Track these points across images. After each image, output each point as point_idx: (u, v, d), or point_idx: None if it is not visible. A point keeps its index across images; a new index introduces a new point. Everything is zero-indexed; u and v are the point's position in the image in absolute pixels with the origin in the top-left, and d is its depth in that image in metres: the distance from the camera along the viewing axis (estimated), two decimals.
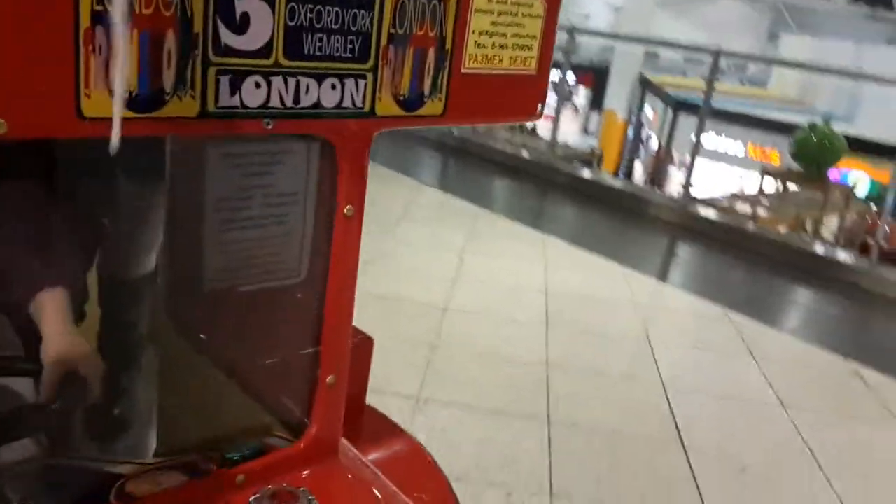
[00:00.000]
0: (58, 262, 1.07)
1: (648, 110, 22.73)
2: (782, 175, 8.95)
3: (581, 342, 4.02)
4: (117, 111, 0.67)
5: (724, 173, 18.73)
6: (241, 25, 0.75)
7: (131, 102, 0.71)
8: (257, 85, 0.78)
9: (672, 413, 3.41)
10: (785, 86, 21.69)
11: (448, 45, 0.92)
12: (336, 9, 0.80)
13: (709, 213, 6.95)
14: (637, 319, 4.48)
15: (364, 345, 1.38)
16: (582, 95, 28.98)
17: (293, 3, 0.77)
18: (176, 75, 0.73)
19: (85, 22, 0.66)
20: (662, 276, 5.58)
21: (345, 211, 0.92)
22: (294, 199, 1.13)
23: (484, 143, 8.68)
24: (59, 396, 0.97)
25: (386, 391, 2.98)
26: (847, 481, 3.06)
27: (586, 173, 8.51)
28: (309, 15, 0.79)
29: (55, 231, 1.11)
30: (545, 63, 1.05)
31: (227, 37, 0.75)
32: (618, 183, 10.22)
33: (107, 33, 0.67)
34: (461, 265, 4.91)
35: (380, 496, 1.02)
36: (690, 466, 3.03)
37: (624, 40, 18.33)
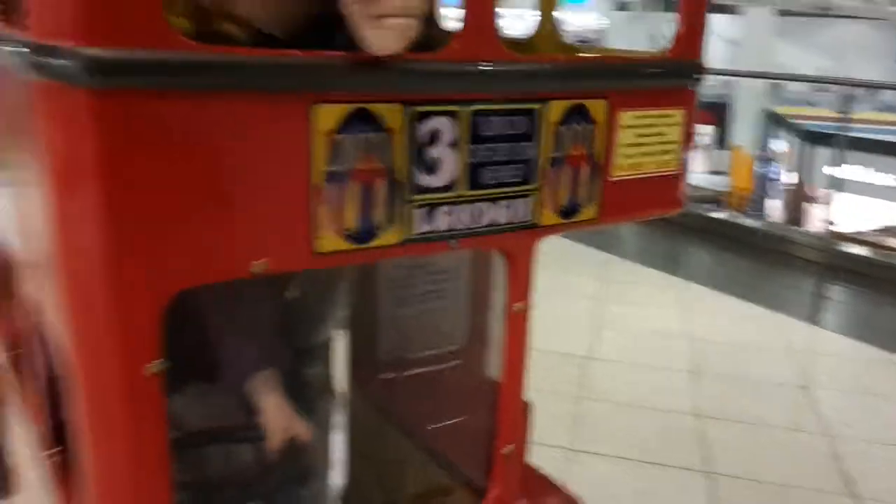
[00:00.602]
0: (269, 347, 1.27)
1: (777, 144, 21.91)
2: None
3: (734, 391, 3.94)
4: None
5: (868, 206, 17.69)
6: (431, 168, 0.92)
7: (352, 237, 0.89)
8: (446, 213, 0.95)
9: (842, 463, 3.29)
10: None
11: (599, 160, 1.06)
12: (506, 145, 0.96)
13: (857, 249, 6.65)
14: (793, 366, 4.34)
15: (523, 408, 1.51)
16: (705, 134, 28.39)
17: (473, 146, 0.94)
18: (384, 213, 0.90)
19: (317, 180, 0.85)
20: (813, 318, 5.36)
21: (514, 308, 1.07)
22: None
23: None
24: (281, 460, 1.16)
25: (536, 442, 3.06)
26: None
27: (719, 213, 8.34)
28: (485, 153, 0.95)
29: (267, 320, 1.31)
30: (685, 160, 1.17)
31: (422, 178, 0.92)
32: (754, 222, 9.92)
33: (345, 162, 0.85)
34: (596, 313, 4.94)
35: None
36: None
37: (745, 76, 17.89)
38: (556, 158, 1.01)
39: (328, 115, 0.84)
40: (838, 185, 7.78)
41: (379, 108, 0.86)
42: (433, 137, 0.91)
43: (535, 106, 0.98)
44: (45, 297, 0.97)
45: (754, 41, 22.82)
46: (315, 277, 1.62)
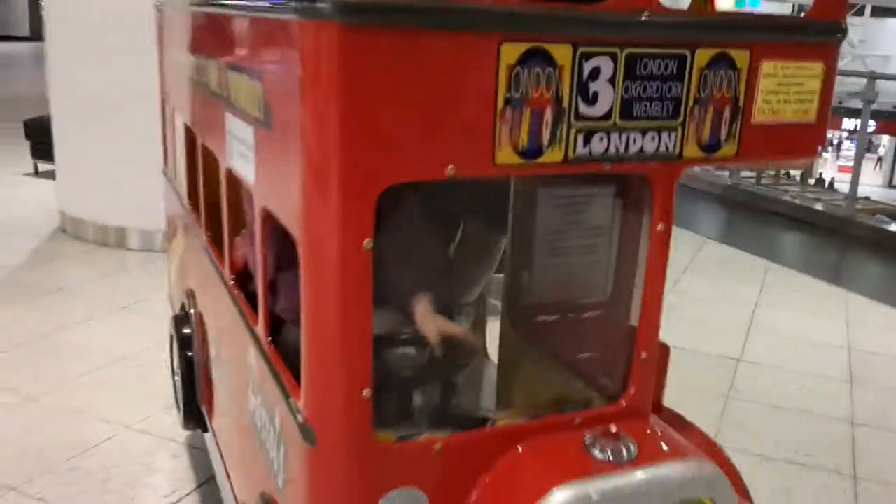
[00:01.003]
0: (429, 281, 1.55)
1: None
2: None
3: (888, 400, 3.84)
4: None
5: None
6: (592, 100, 1.12)
7: (523, 153, 1.10)
8: (601, 139, 1.14)
9: None
10: None
11: (741, 103, 1.21)
12: (657, 83, 1.14)
13: None
14: None
15: (661, 350, 1.66)
16: (886, 145, 26.27)
17: (628, 82, 1.13)
18: (550, 135, 1.11)
19: (500, 104, 1.07)
20: None
21: (658, 228, 1.24)
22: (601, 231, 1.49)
23: (773, 196, 8.43)
24: (443, 355, 1.43)
25: None
26: None
27: (894, 227, 7.88)
28: (638, 90, 1.14)
29: (433, 264, 1.60)
30: (824, 112, 1.29)
31: (583, 108, 1.12)
32: None
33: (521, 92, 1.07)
34: (753, 318, 4.89)
35: (683, 446, 1.31)
36: None
37: None
38: (700, 98, 1.18)
39: (512, 52, 1.06)
40: None
41: (552, 48, 1.08)
42: (594, 74, 1.11)
43: (684, 52, 1.16)
44: (280, 202, 1.26)
45: None
46: (474, 239, 1.88)
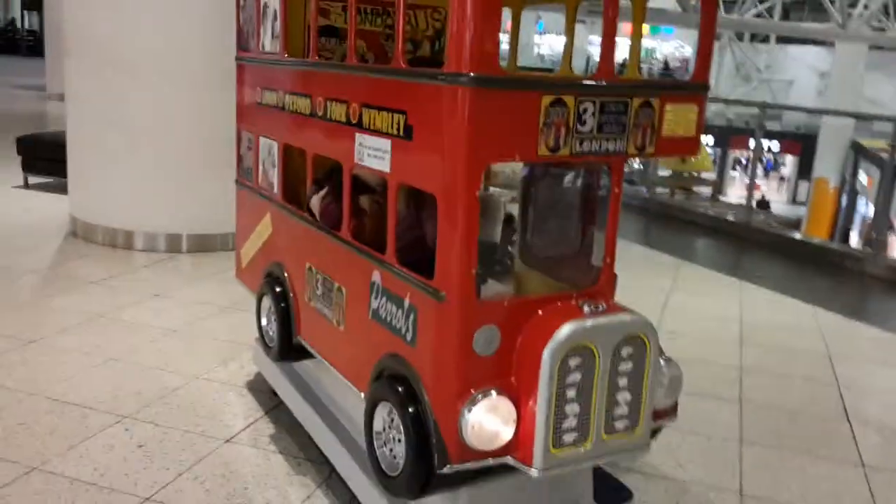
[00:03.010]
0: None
1: (863, 176, 22.22)
2: None
3: (770, 355, 5.15)
4: None
5: None
6: (584, 123, 2.25)
7: (551, 149, 2.21)
8: (588, 143, 2.27)
9: (842, 399, 4.46)
10: None
11: (656, 125, 2.36)
12: (614, 115, 2.28)
13: None
14: (819, 342, 5.48)
15: (612, 274, 2.77)
16: (789, 164, 28.73)
17: (600, 115, 2.26)
18: (563, 141, 2.23)
19: (541, 125, 2.19)
20: (837, 310, 6.41)
21: (615, 191, 2.38)
22: (580, 204, 2.63)
23: (684, 207, 9.86)
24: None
25: None
26: None
27: (795, 234, 9.39)
28: (605, 118, 2.27)
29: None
30: (699, 130, 2.47)
31: (580, 127, 2.25)
32: (824, 241, 10.88)
33: (550, 120, 2.19)
34: (667, 301, 6.16)
35: (629, 309, 2.44)
36: None
37: (816, 112, 18.58)
38: (636, 123, 2.33)
39: (546, 100, 2.17)
40: None
41: (565, 98, 2.20)
42: (584, 110, 2.24)
43: (627, 99, 2.30)
44: (421, 176, 2.34)
45: (844, 74, 23.17)
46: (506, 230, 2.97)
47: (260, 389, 4.02)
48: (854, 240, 20.62)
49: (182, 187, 6.37)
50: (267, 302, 3.57)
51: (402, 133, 2.37)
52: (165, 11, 6.12)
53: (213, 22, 6.05)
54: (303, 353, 3.40)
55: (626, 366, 2.37)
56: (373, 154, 2.55)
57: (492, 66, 2.09)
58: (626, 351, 2.36)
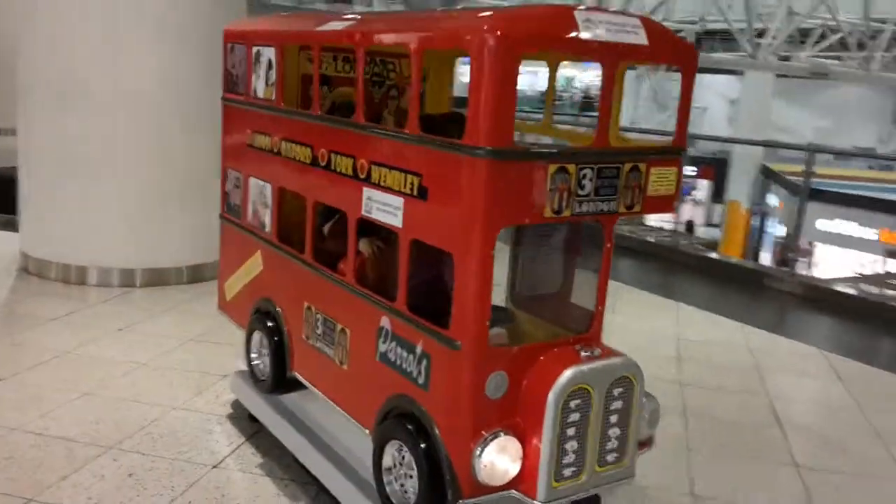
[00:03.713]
0: None
1: (772, 199, 23.48)
2: None
3: (706, 370, 5.54)
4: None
5: (853, 260, 19.15)
6: (583, 188, 2.50)
7: (554, 211, 2.46)
8: (586, 205, 2.52)
9: (773, 407, 4.87)
10: None
11: (642, 186, 2.64)
12: (608, 179, 2.54)
13: (833, 284, 8.24)
14: (748, 356, 5.94)
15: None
16: (703, 188, 30.03)
17: (596, 179, 2.52)
18: (566, 204, 2.47)
19: (547, 190, 2.43)
20: (762, 326, 6.91)
21: (607, 245, 2.64)
22: (563, 251, 2.89)
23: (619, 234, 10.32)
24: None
25: None
26: None
27: (713, 254, 9.99)
28: (601, 182, 2.53)
29: None
30: (678, 189, 2.75)
31: (579, 191, 2.50)
32: (740, 261, 11.59)
33: (555, 185, 2.43)
34: (611, 322, 6.50)
35: (619, 352, 2.69)
36: None
37: (724, 141, 19.81)
38: (626, 185, 2.60)
39: (552, 168, 2.42)
40: (825, 237, 9.23)
41: (567, 165, 2.45)
42: (584, 176, 2.49)
43: (619, 165, 2.57)
44: (437, 234, 2.55)
45: (753, 101, 24.40)
46: None
47: (238, 416, 4.13)
48: (765, 258, 21.79)
49: (136, 222, 6.36)
50: (258, 336, 3.69)
51: (416, 193, 2.57)
52: (124, 47, 6.15)
53: (169, 59, 6.10)
54: (293, 386, 3.54)
55: (616, 404, 2.63)
56: (383, 209, 2.74)
57: (507, 140, 2.32)
58: (616, 391, 2.62)
